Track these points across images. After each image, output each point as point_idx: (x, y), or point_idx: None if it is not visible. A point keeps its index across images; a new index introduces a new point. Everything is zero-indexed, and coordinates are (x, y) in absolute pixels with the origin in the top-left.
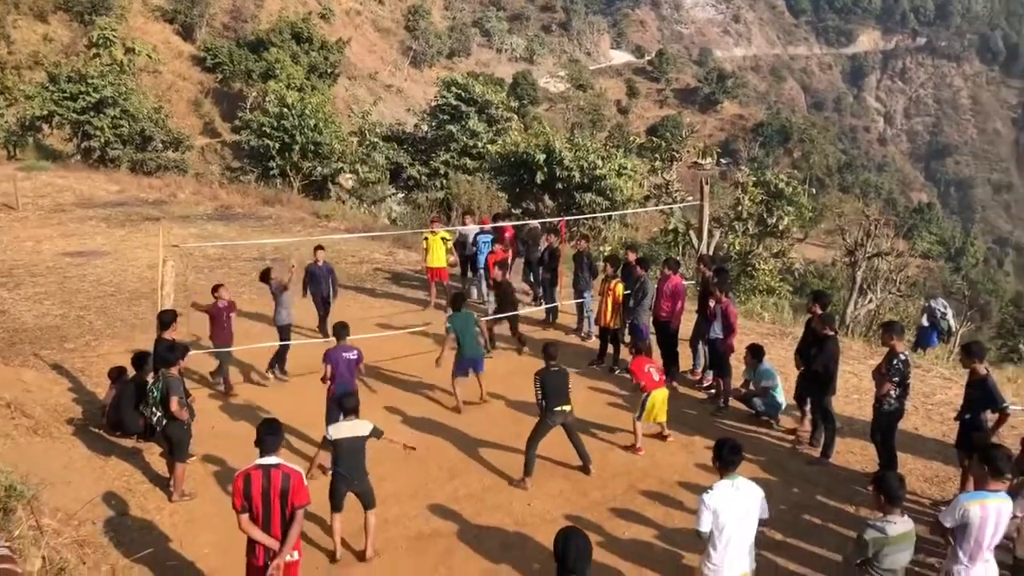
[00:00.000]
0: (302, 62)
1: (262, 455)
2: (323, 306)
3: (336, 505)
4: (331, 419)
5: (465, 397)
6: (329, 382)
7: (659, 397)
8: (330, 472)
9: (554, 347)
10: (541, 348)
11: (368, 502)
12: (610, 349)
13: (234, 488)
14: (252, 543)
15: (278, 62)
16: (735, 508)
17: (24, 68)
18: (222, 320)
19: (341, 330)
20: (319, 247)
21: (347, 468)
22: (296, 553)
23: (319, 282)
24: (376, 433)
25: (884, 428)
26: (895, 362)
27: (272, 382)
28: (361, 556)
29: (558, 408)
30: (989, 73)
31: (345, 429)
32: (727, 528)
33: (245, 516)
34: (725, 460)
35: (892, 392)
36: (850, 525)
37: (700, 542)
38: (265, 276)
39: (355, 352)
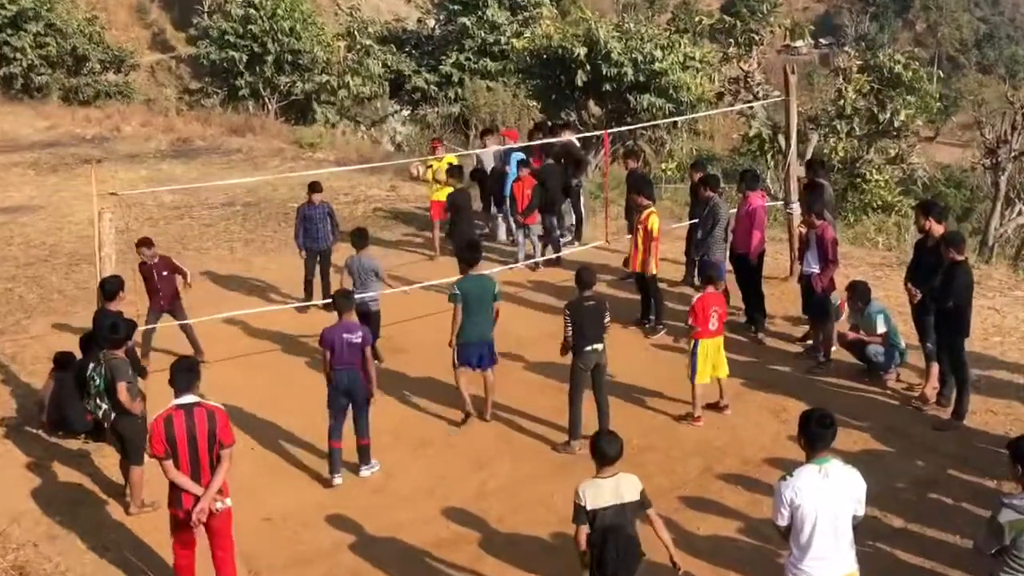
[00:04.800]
0: None
1: (177, 395)
2: (316, 260)
3: None
4: (334, 415)
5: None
6: (329, 372)
7: (712, 347)
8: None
9: (589, 273)
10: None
11: None
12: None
13: (153, 433)
14: (176, 493)
15: None
16: (823, 500)
17: None
18: (154, 282)
19: (344, 302)
20: (315, 187)
21: (616, 548)
22: (228, 500)
23: (315, 229)
24: (647, 502)
25: None
26: None
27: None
28: None
29: (589, 348)
30: None
31: (607, 491)
32: (813, 524)
33: (169, 463)
34: (813, 436)
35: None
36: (989, 504)
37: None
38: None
39: (360, 333)
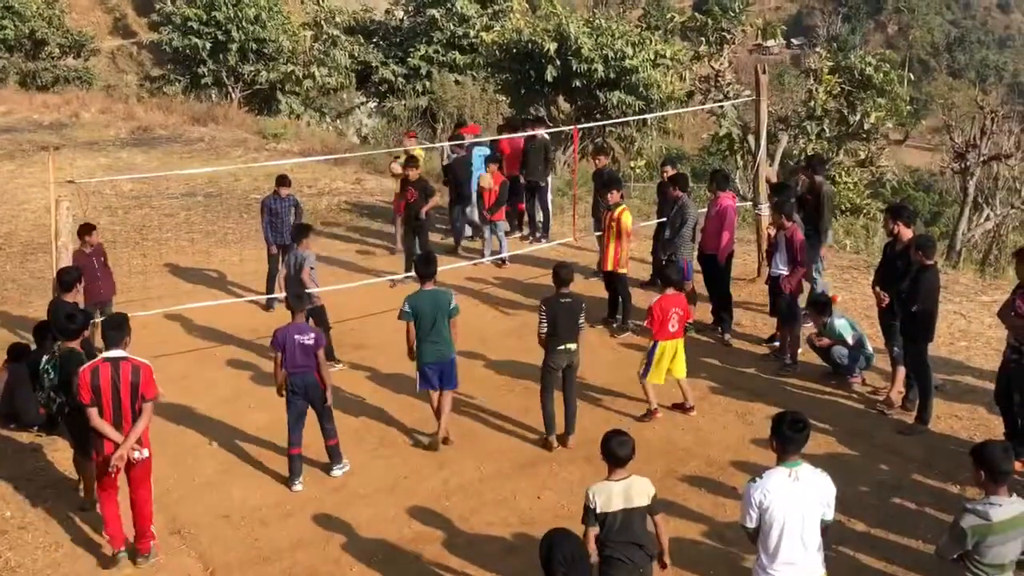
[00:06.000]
0: None
1: (107, 349)
2: (280, 254)
3: None
4: (293, 420)
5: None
6: (282, 373)
7: (670, 349)
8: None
9: (567, 270)
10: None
11: None
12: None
13: (80, 382)
14: (98, 441)
15: None
16: (792, 504)
17: None
18: (93, 271)
19: (296, 302)
20: (284, 181)
21: (626, 553)
22: (146, 451)
23: (280, 223)
24: (656, 508)
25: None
26: None
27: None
28: None
29: (562, 347)
30: None
31: (617, 495)
32: (781, 527)
33: (94, 410)
34: (785, 439)
35: None
36: (952, 509)
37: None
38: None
39: (312, 335)
